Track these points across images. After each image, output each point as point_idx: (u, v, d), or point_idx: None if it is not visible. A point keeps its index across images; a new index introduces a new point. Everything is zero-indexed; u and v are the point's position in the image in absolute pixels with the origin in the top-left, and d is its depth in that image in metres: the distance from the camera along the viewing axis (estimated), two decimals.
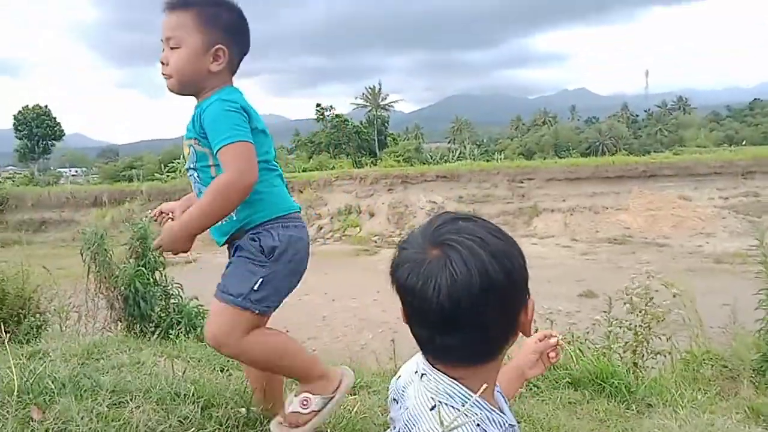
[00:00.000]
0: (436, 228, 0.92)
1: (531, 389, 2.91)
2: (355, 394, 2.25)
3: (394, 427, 0.98)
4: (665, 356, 4.31)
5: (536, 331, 1.34)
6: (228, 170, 1.54)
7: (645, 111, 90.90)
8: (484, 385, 0.88)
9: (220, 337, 1.61)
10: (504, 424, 0.93)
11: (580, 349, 3.84)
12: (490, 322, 0.89)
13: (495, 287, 0.87)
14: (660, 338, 4.49)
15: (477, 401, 0.89)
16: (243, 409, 1.76)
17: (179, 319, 3.80)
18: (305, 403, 1.68)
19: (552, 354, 1.32)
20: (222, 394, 1.80)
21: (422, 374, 0.96)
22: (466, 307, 0.86)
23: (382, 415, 1.99)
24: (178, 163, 31.50)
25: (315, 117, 57.68)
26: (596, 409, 2.73)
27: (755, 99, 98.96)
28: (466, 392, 0.90)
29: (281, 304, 1.74)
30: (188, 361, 2.33)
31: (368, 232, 23.16)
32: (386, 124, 59.56)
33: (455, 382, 0.92)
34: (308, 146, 53.91)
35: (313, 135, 56.03)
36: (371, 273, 16.98)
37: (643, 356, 4.32)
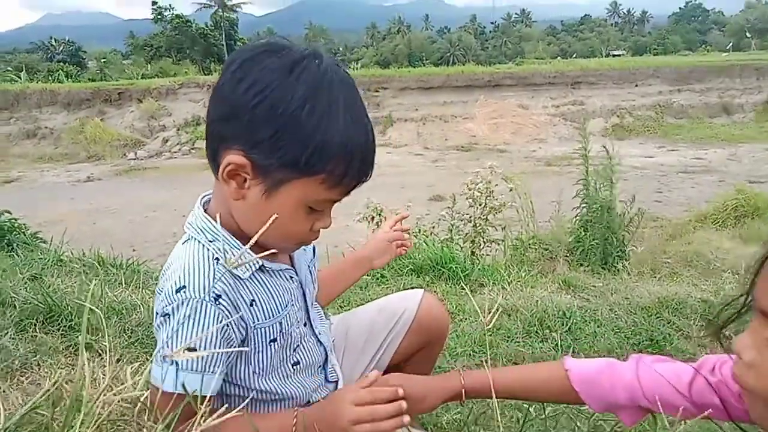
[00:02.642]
0: None
1: (377, 278, 3.02)
2: None
3: None
4: (499, 244, 4.75)
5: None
6: None
7: (492, 23, 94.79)
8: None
9: None
10: (247, 266, 0.89)
11: (425, 242, 4.07)
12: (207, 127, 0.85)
13: (225, 98, 0.81)
14: (496, 229, 4.94)
15: (223, 236, 0.87)
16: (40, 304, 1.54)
17: None
18: None
19: (402, 246, 1.30)
20: (16, 293, 1.59)
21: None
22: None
23: None
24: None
25: (152, 17, 51.70)
26: (435, 291, 2.93)
27: (585, 15, 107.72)
28: (215, 229, 0.87)
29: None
30: None
31: None
32: (235, 27, 55.30)
33: (209, 219, 0.89)
34: (146, 50, 48.43)
35: (151, 38, 50.33)
36: None
37: (480, 245, 4.74)
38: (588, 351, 2.21)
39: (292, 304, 0.97)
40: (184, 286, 0.81)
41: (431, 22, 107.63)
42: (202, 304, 0.81)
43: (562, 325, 2.41)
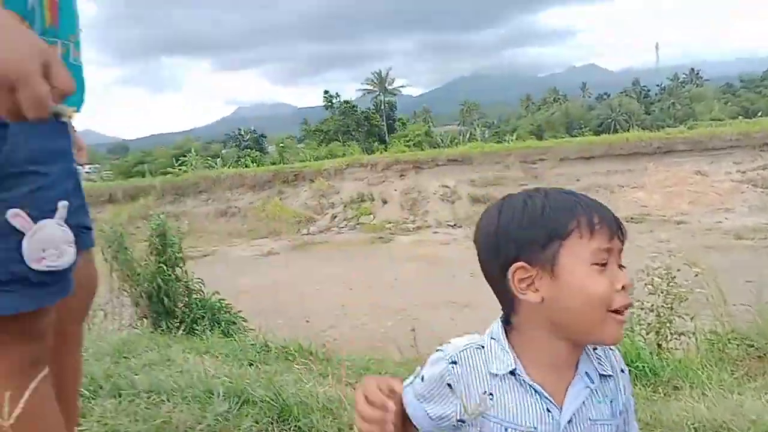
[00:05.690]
0: None
1: None
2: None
3: None
4: (689, 337, 4.27)
5: None
6: None
7: (657, 85, 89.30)
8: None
9: None
10: (503, 365, 0.92)
11: None
12: (485, 273, 0.96)
13: (480, 236, 0.96)
14: (683, 318, 4.44)
15: (496, 339, 0.95)
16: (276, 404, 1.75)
17: (203, 314, 3.84)
18: None
19: None
20: (254, 391, 1.82)
21: None
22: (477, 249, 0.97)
23: None
24: (190, 156, 31.71)
25: (323, 104, 57.62)
26: None
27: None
28: (505, 343, 0.94)
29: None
30: (217, 357, 2.37)
31: (382, 220, 23.16)
32: (394, 108, 59.32)
33: (507, 342, 0.94)
34: (317, 134, 53.86)
35: (322, 123, 55.95)
36: (387, 260, 17.04)
37: (666, 337, 4.28)
38: None
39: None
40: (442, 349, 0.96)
41: (588, 89, 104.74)
42: (441, 358, 0.94)
43: None
